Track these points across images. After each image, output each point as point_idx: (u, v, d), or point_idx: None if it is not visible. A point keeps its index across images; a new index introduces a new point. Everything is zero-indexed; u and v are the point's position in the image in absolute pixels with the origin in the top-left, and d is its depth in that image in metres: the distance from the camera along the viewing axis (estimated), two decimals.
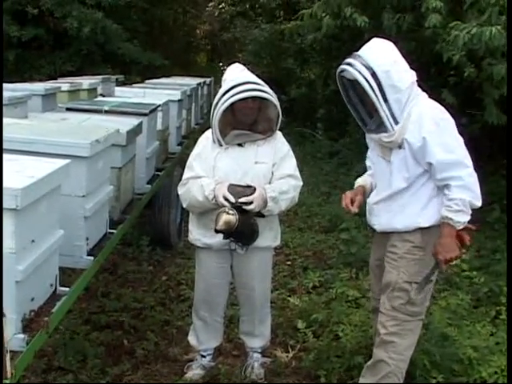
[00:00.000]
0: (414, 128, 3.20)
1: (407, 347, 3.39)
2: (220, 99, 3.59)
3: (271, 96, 3.62)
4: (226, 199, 3.50)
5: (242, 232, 3.56)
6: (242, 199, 3.48)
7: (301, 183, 3.79)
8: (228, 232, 3.50)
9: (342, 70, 3.31)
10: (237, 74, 3.72)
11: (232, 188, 3.53)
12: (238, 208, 3.47)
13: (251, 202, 3.50)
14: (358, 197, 3.50)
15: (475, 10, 5.91)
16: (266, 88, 3.62)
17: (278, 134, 3.81)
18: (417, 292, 3.32)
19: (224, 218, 3.45)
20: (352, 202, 3.46)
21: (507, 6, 5.38)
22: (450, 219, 3.18)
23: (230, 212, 3.45)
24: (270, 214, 3.65)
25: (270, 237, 3.81)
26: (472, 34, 5.42)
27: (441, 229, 3.24)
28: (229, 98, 3.55)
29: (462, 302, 4.71)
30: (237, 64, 3.90)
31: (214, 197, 3.55)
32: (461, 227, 3.21)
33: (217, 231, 3.51)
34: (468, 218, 3.20)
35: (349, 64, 3.25)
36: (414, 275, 3.32)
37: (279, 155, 3.73)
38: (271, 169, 3.70)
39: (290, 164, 3.76)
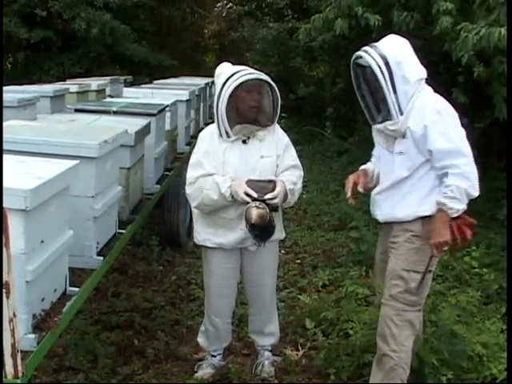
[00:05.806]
0: (416, 117, 3.26)
1: (407, 337, 3.38)
2: (222, 88, 3.57)
3: (271, 79, 3.64)
4: (248, 195, 3.49)
5: (266, 227, 3.56)
6: (268, 195, 3.49)
7: (303, 173, 3.83)
8: (261, 226, 3.50)
9: (358, 57, 3.40)
10: (231, 67, 3.72)
11: (252, 183, 3.53)
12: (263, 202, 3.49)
13: (275, 197, 3.52)
14: (361, 178, 3.54)
15: (484, 9, 5.88)
16: (264, 75, 3.66)
17: (276, 125, 3.82)
18: (418, 284, 3.32)
19: (257, 212, 3.44)
20: (356, 185, 3.51)
21: (507, 6, 5.35)
22: (444, 205, 3.18)
23: (260, 206, 3.45)
24: (288, 206, 3.73)
25: (278, 230, 3.80)
26: (481, 36, 5.39)
27: (435, 214, 3.25)
28: (232, 83, 3.54)
29: (471, 299, 4.70)
30: (225, 62, 3.88)
31: (231, 194, 3.54)
32: (455, 215, 3.20)
33: (252, 226, 3.50)
34: (463, 206, 3.19)
35: (365, 51, 3.35)
36: (413, 263, 3.32)
37: (282, 147, 3.76)
38: (276, 161, 3.72)
39: (292, 154, 3.81)
